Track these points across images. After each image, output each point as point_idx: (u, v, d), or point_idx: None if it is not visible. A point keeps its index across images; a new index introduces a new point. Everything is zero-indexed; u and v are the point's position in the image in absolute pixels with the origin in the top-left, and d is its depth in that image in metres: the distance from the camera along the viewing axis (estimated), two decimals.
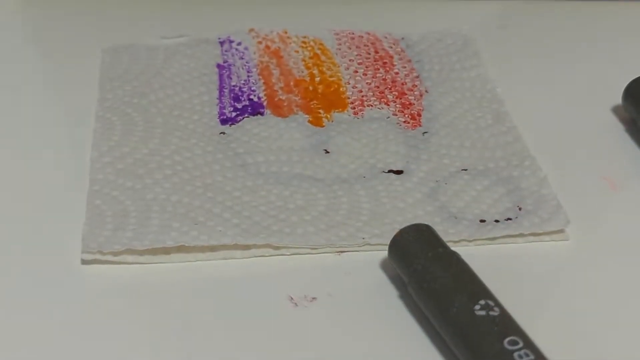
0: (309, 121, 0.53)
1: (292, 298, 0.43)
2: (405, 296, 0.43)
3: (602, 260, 0.46)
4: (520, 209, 0.47)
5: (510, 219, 0.47)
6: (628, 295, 0.44)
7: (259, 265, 0.45)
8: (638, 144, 0.53)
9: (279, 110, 0.54)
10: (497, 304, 0.40)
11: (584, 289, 0.44)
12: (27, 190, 0.49)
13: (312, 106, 0.54)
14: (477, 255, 0.44)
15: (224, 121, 0.53)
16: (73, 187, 0.48)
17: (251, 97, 0.55)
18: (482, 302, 0.40)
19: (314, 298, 0.43)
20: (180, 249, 0.45)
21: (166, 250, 0.45)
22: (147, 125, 0.52)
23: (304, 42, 0.60)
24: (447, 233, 0.46)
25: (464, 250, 0.43)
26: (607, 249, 0.46)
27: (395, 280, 0.44)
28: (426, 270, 0.41)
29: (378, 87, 0.56)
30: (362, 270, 0.44)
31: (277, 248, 0.45)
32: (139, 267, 0.44)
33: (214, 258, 0.45)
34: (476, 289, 0.40)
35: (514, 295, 0.42)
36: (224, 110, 0.54)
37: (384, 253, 0.44)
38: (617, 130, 0.54)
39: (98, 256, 0.44)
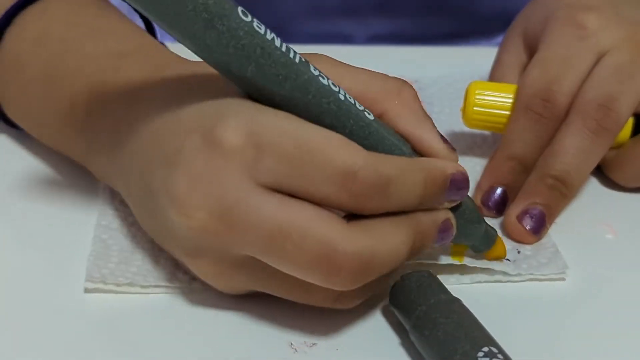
0: None
1: (292, 344, 0.42)
2: (407, 343, 0.42)
3: (601, 302, 0.46)
4: (519, 252, 0.48)
5: (509, 259, 0.47)
6: (624, 336, 0.44)
7: (260, 311, 0.44)
8: (638, 189, 0.53)
9: None
10: (501, 350, 0.39)
11: (583, 332, 0.44)
12: (41, 217, 0.49)
13: None
14: (476, 296, 0.44)
15: None
16: (82, 218, 0.49)
17: None
18: (486, 349, 0.39)
19: (314, 344, 0.42)
20: None
21: None
22: None
23: None
24: None
25: (461, 288, 0.44)
26: (605, 291, 0.46)
27: (397, 327, 0.43)
28: (428, 317, 0.41)
29: None
30: (363, 317, 0.44)
31: None
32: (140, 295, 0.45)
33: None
34: (479, 336, 0.40)
35: (516, 337, 0.42)
36: None
37: (385, 299, 0.44)
38: None
39: (100, 285, 0.44)
